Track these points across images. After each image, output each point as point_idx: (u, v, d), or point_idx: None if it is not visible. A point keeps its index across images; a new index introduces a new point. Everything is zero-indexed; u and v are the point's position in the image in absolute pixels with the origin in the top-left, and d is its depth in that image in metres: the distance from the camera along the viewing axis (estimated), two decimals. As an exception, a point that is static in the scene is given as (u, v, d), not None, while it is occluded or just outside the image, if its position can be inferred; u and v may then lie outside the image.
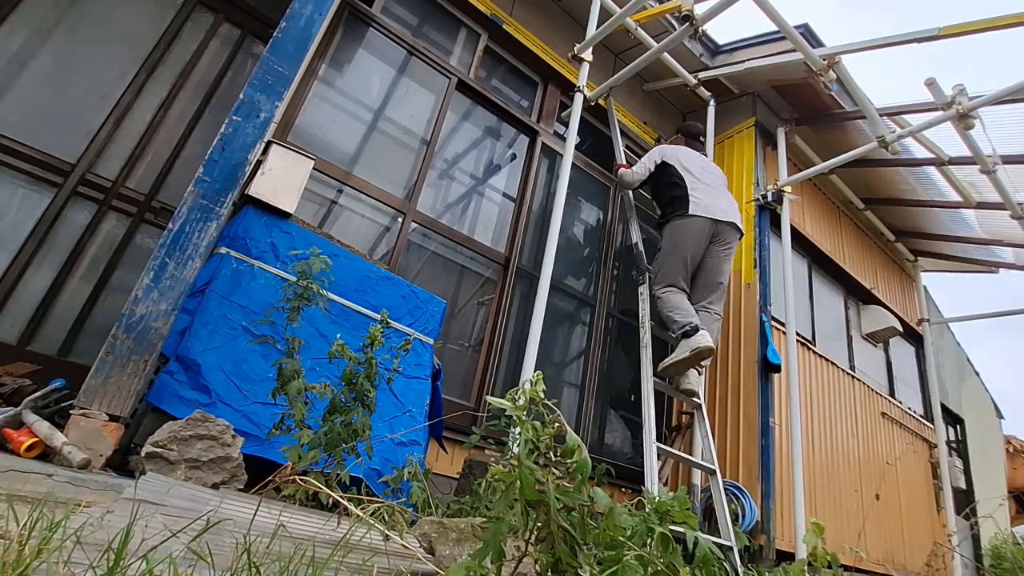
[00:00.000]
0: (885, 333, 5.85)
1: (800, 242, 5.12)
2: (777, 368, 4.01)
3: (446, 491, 2.89)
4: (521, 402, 1.17)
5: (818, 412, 4.60)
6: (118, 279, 2.64)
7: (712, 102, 4.92)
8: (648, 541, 1.19)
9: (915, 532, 5.28)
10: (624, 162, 4.13)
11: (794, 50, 4.01)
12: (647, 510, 1.26)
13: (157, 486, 1.39)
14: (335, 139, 3.28)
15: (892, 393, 5.95)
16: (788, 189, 4.59)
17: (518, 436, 1.14)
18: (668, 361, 3.26)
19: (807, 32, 4.23)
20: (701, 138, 4.20)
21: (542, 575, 1.10)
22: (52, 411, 1.96)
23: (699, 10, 3.59)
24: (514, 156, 4.24)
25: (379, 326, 2.01)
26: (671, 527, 1.23)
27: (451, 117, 3.89)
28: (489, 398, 1.23)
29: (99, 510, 1.14)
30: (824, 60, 3.90)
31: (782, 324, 4.33)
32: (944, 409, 6.85)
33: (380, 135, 3.53)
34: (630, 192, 4.15)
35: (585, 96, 3.85)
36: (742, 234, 3.71)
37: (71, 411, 1.76)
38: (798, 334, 4.43)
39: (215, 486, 1.73)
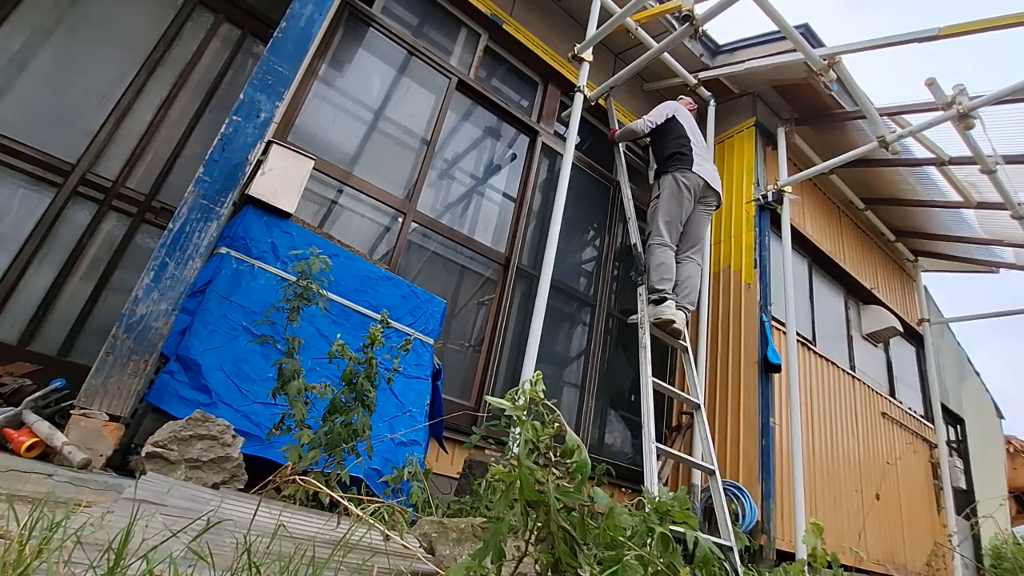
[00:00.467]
0: (885, 333, 5.85)
1: (800, 242, 5.12)
2: (777, 368, 4.01)
3: (446, 491, 2.89)
4: (521, 402, 1.17)
5: (818, 412, 4.60)
6: (118, 279, 2.64)
7: (712, 102, 4.92)
8: (648, 541, 1.19)
9: (915, 532, 5.27)
10: (616, 127, 4.41)
11: (794, 50, 4.01)
12: (647, 510, 1.26)
13: (157, 486, 1.39)
14: (335, 139, 3.28)
15: (892, 393, 5.95)
16: (788, 189, 4.59)
17: (518, 436, 1.14)
18: (635, 318, 3.70)
19: (807, 32, 4.23)
20: (690, 108, 4.42)
21: (542, 575, 1.10)
22: (52, 411, 1.96)
23: (699, 10, 3.59)
24: (514, 156, 4.24)
25: (379, 326, 2.01)
26: (671, 527, 1.23)
27: (451, 117, 3.89)
28: (489, 398, 1.23)
29: (99, 510, 1.14)
30: (824, 60, 3.90)
31: (782, 324, 4.33)
32: (944, 409, 6.85)
33: (380, 135, 3.53)
34: (622, 147, 4.45)
35: (585, 96, 3.85)
36: (721, 202, 4.08)
37: (71, 411, 1.76)
38: (798, 334, 4.43)
39: (215, 486, 1.73)
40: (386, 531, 1.32)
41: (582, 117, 3.87)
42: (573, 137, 3.66)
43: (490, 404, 1.19)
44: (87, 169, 2.63)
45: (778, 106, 5.08)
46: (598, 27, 3.98)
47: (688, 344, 3.80)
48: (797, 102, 4.91)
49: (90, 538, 0.97)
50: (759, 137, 4.90)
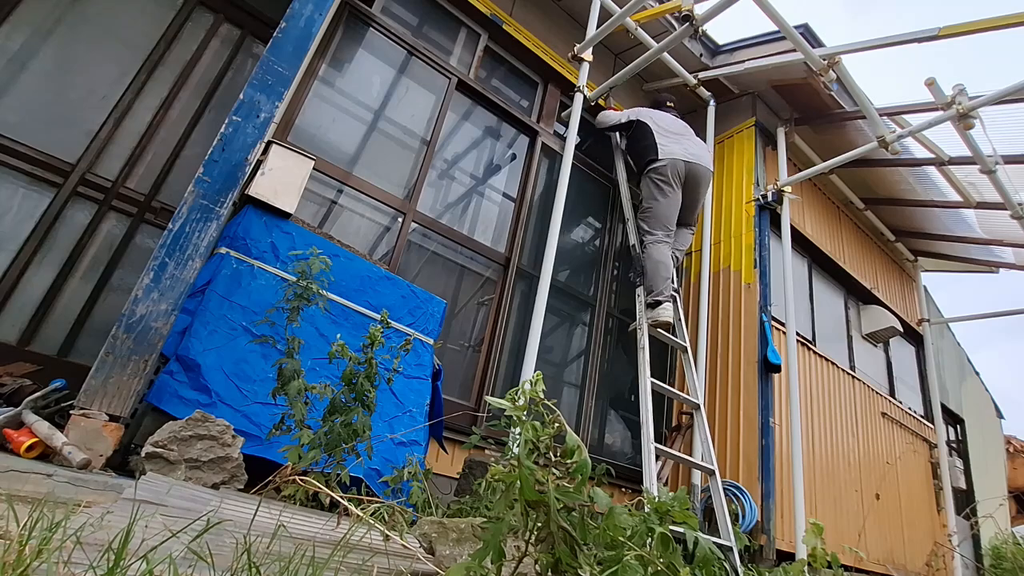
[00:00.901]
0: (885, 333, 5.85)
1: (800, 242, 5.12)
2: (777, 368, 4.01)
3: (446, 491, 2.89)
4: (521, 402, 1.17)
5: (818, 412, 4.60)
6: (118, 279, 2.64)
7: (712, 102, 4.92)
8: (648, 541, 1.19)
9: (915, 532, 5.27)
10: (612, 106, 4.57)
11: (794, 50, 4.01)
12: (647, 510, 1.26)
13: (157, 486, 1.39)
14: (335, 139, 3.28)
15: (892, 393, 5.95)
16: (788, 189, 4.59)
17: (518, 436, 1.14)
18: (634, 325, 3.75)
19: (807, 32, 4.23)
20: (668, 103, 4.46)
21: (542, 575, 1.10)
22: (52, 411, 1.96)
23: (699, 10, 3.59)
24: (514, 156, 4.24)
25: (379, 326, 2.01)
26: (671, 527, 1.23)
27: (451, 117, 3.89)
28: (489, 398, 1.23)
29: (99, 510, 1.14)
30: (824, 60, 3.91)
31: (782, 324, 4.33)
32: (944, 409, 6.85)
33: (380, 135, 3.53)
34: (621, 147, 4.56)
35: (585, 96, 3.85)
36: (712, 173, 4.13)
37: (71, 411, 1.76)
38: (798, 334, 4.43)
39: (215, 486, 1.73)
40: (386, 531, 1.32)
41: (582, 117, 3.87)
42: (573, 137, 3.66)
43: (490, 404, 1.19)
44: (87, 169, 2.63)
45: (778, 106, 5.08)
46: (598, 27, 3.98)
47: (687, 344, 3.81)
48: (797, 102, 4.91)
49: (90, 538, 0.97)
50: (759, 137, 4.90)
